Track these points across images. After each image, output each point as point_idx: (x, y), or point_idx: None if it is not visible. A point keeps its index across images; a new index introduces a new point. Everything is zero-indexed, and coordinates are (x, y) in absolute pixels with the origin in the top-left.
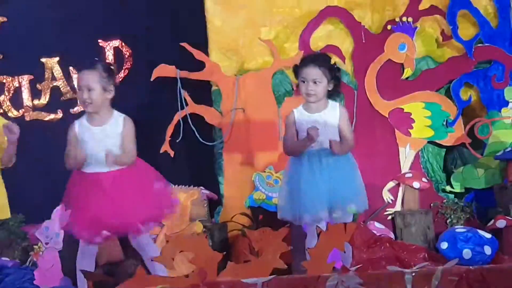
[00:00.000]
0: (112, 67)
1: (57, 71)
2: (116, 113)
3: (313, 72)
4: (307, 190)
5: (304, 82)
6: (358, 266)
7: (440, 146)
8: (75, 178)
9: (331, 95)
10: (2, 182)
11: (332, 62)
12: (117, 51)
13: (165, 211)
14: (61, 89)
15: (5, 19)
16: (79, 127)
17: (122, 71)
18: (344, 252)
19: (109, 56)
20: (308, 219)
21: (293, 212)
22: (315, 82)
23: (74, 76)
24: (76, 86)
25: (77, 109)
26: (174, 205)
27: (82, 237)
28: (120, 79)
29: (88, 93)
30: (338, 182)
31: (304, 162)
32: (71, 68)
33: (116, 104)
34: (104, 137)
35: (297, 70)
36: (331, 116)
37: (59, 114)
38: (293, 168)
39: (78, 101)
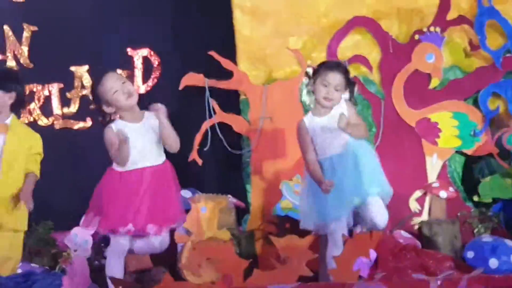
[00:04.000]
0: None
1: (86, 80)
2: (145, 111)
3: (337, 78)
4: (329, 197)
5: (325, 86)
6: (383, 274)
7: (467, 156)
8: (112, 176)
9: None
10: None
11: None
12: (146, 60)
13: (179, 216)
14: (90, 97)
15: (35, 28)
16: (116, 128)
17: (151, 80)
18: (370, 260)
19: (138, 65)
20: (332, 227)
21: (316, 220)
22: (337, 90)
23: None
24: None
25: None
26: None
27: (111, 227)
28: (149, 88)
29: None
30: (358, 175)
31: (324, 168)
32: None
33: None
34: (145, 132)
35: (318, 72)
36: (339, 112)
37: (88, 122)
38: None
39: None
